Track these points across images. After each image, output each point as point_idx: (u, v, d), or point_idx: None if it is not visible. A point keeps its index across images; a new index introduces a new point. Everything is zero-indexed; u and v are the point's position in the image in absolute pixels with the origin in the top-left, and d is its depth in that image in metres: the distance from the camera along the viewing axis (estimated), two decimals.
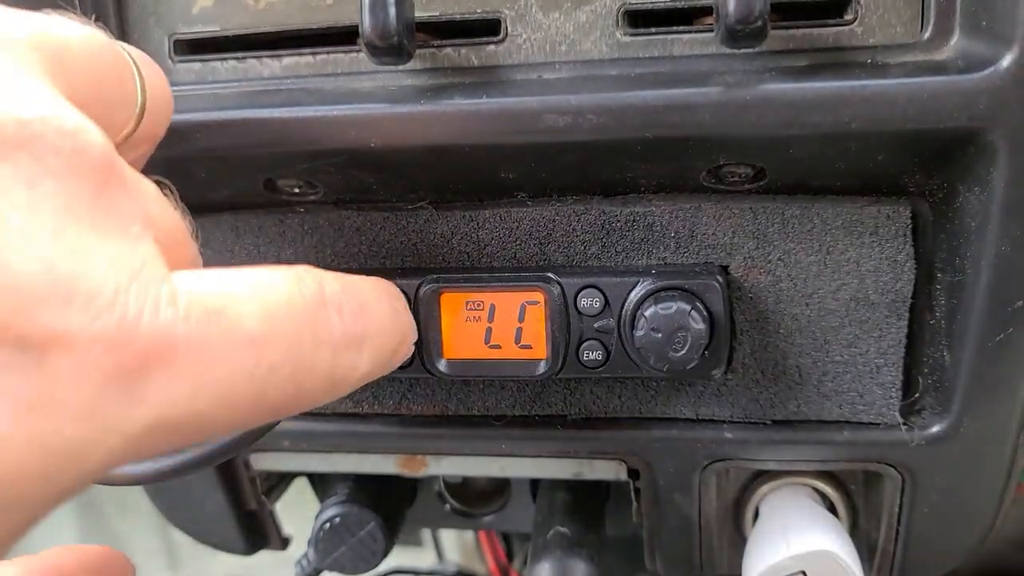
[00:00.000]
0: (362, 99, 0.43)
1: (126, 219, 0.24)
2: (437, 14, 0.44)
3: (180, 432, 0.24)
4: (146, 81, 0.32)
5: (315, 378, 0.29)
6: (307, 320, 0.29)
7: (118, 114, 0.31)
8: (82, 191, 0.23)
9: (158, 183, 0.29)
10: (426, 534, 0.95)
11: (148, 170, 0.45)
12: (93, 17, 0.47)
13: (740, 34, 0.38)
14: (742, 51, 0.42)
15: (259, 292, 0.27)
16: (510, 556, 0.80)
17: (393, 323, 0.35)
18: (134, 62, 0.32)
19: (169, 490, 0.61)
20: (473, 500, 0.67)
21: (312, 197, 0.49)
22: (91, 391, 0.22)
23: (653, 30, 0.43)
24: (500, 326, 0.46)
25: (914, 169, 0.43)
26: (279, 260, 0.51)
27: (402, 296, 0.38)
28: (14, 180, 0.22)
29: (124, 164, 0.26)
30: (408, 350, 0.38)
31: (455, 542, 0.95)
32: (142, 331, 0.23)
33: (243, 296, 0.26)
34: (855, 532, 0.54)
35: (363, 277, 0.35)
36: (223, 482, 0.60)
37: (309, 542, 0.61)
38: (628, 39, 0.43)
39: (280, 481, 0.65)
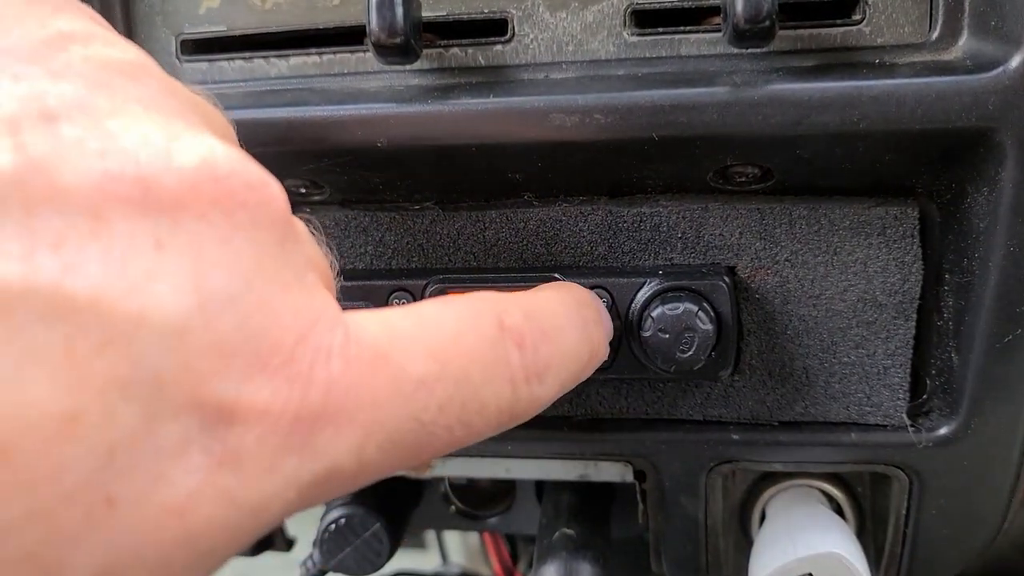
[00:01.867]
0: (369, 99, 0.43)
1: (302, 268, 0.25)
2: (444, 14, 0.44)
3: (348, 481, 0.25)
4: None
5: (488, 415, 0.28)
6: (479, 357, 0.28)
7: None
8: (267, 244, 0.24)
9: (305, 220, 0.29)
10: (430, 536, 0.94)
11: None
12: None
13: (748, 34, 0.38)
14: (750, 51, 0.42)
15: (425, 330, 0.27)
16: (515, 558, 0.80)
17: (581, 343, 0.33)
18: None
19: None
20: (478, 501, 0.67)
21: (317, 197, 0.49)
22: (273, 448, 0.22)
23: (660, 30, 0.43)
24: None
25: (922, 170, 0.43)
26: None
27: (596, 301, 0.35)
28: (210, 238, 0.22)
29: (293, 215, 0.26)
30: (601, 358, 0.36)
31: (459, 544, 0.95)
32: (317, 386, 0.23)
33: (409, 335, 0.27)
34: (862, 534, 0.53)
35: (552, 293, 0.34)
36: None
37: (314, 543, 0.61)
38: (635, 39, 0.43)
39: None
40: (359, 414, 0.24)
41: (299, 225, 0.26)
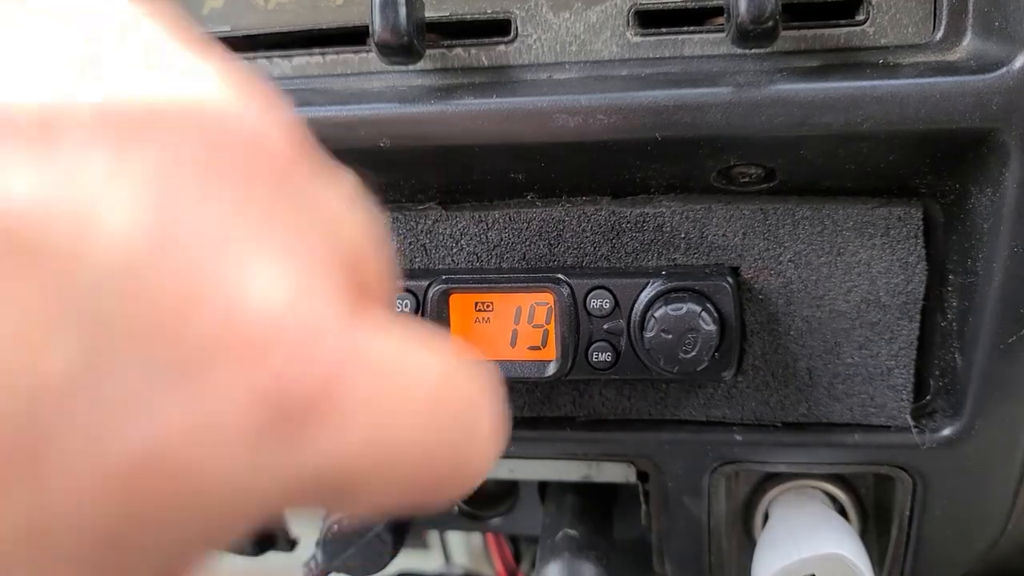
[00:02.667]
0: (372, 99, 0.43)
1: (305, 230, 0.21)
2: (447, 14, 0.44)
3: (340, 493, 0.21)
4: None
5: (466, 465, 0.24)
6: (473, 401, 0.24)
7: None
8: (257, 192, 0.20)
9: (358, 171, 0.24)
10: (433, 536, 0.94)
11: None
12: None
13: (752, 34, 0.38)
14: (753, 51, 0.42)
15: (439, 355, 0.23)
16: (518, 559, 0.80)
17: None
18: None
19: None
20: (481, 502, 0.67)
21: None
22: (253, 424, 0.18)
23: (664, 30, 0.43)
24: (509, 327, 0.46)
25: (926, 170, 0.43)
26: None
27: None
28: (184, 169, 0.18)
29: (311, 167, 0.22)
30: None
31: (462, 545, 0.95)
32: (319, 365, 0.19)
33: (423, 351, 0.23)
34: (865, 535, 0.53)
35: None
36: None
37: (317, 544, 0.61)
38: (639, 39, 0.43)
39: None
40: (361, 417, 0.20)
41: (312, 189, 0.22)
